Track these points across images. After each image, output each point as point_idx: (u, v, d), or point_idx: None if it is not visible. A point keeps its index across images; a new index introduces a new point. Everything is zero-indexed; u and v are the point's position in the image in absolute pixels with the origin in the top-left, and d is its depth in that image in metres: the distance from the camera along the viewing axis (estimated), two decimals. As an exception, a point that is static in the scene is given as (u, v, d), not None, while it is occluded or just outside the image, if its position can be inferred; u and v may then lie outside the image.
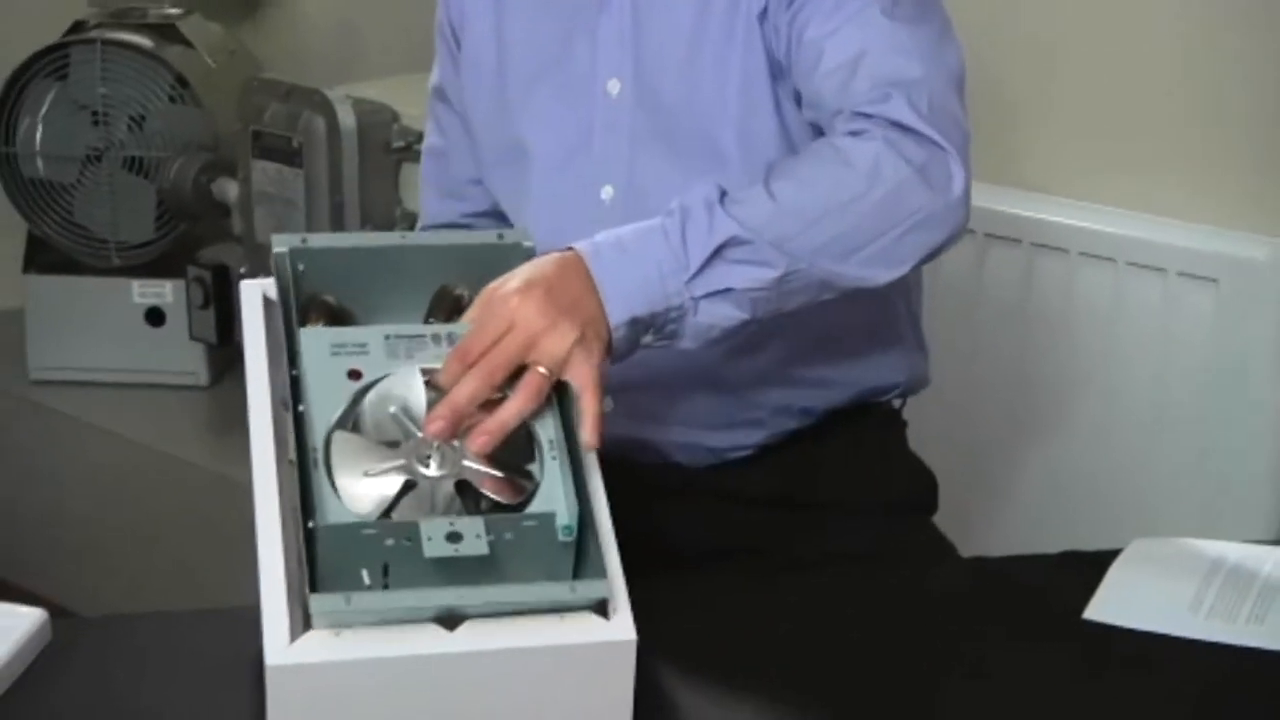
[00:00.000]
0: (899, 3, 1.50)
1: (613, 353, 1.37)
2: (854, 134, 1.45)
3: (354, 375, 1.31)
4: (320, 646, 1.22)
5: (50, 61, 3.05)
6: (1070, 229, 2.36)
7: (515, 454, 1.31)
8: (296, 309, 1.37)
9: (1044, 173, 2.45)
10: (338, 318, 1.39)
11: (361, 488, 1.27)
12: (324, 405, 1.30)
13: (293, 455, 1.29)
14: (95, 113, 3.05)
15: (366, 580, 1.25)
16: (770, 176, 1.43)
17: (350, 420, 1.31)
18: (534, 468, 1.31)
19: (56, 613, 1.40)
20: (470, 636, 1.23)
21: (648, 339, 1.40)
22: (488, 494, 1.29)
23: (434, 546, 1.24)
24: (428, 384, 1.32)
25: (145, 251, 3.11)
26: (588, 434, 1.31)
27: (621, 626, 1.25)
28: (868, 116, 1.45)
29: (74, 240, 3.11)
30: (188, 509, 2.90)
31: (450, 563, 1.25)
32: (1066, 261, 2.36)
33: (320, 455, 1.27)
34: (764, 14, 1.54)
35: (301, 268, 1.38)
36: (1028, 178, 2.44)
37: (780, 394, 1.64)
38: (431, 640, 1.23)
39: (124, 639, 1.46)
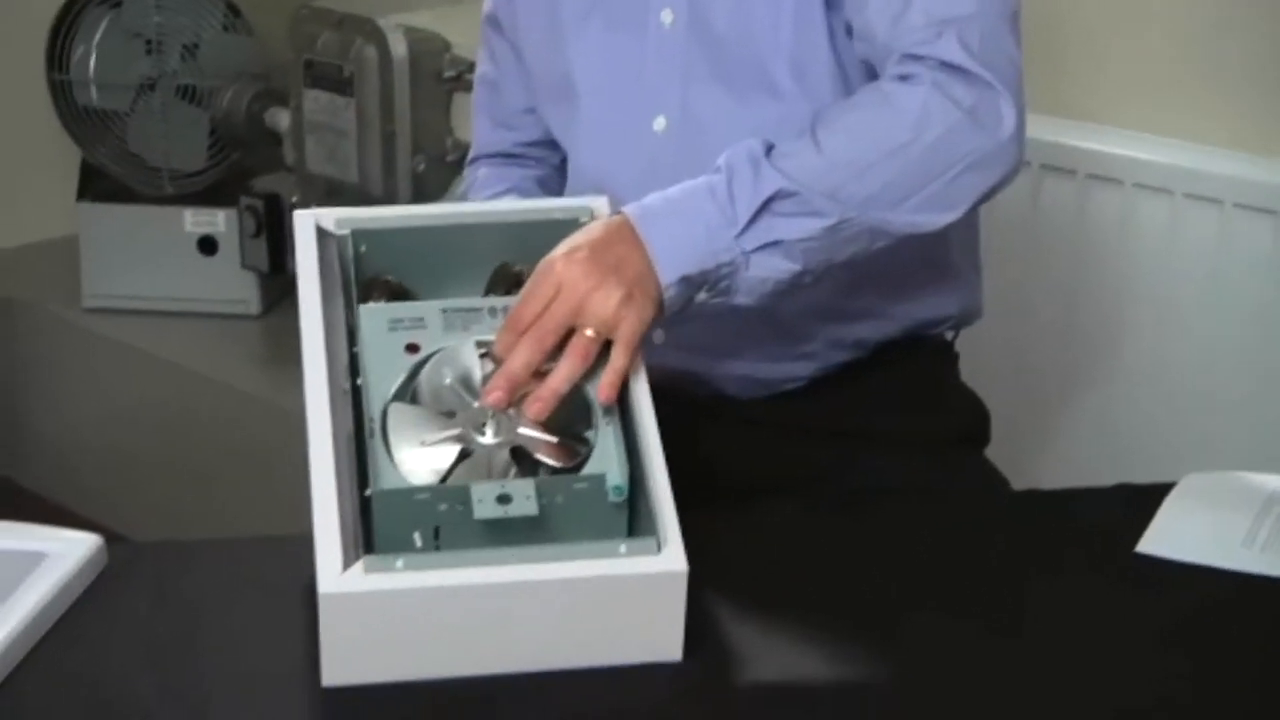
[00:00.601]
0: None
1: (665, 311, 1.38)
2: (902, 78, 1.45)
3: (411, 349, 1.33)
4: (372, 575, 1.23)
5: (104, -11, 3.06)
6: (1126, 160, 2.34)
7: (572, 420, 1.32)
8: (358, 289, 1.38)
9: (1100, 103, 2.43)
10: (398, 297, 1.40)
11: (418, 457, 1.28)
12: (381, 378, 1.31)
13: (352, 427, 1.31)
14: (148, 41, 3.05)
15: (419, 543, 1.26)
16: (816, 126, 1.43)
17: (408, 392, 1.32)
18: (590, 434, 1.32)
19: (111, 539, 1.42)
20: (520, 567, 1.24)
21: (702, 296, 1.41)
22: (543, 459, 1.30)
23: (484, 508, 1.25)
24: (484, 355, 1.33)
25: (198, 180, 3.11)
26: (602, 388, 1.32)
27: (673, 558, 1.25)
28: (918, 59, 1.44)
29: (127, 168, 3.12)
30: (239, 437, 2.92)
31: (501, 525, 1.26)
32: (1122, 193, 2.34)
33: (377, 426, 1.29)
34: None
35: (363, 248, 1.40)
36: (1083, 108, 2.42)
37: (832, 327, 1.64)
38: (484, 571, 1.24)
39: (178, 565, 1.47)
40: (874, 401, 1.66)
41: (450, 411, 1.31)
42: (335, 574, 1.22)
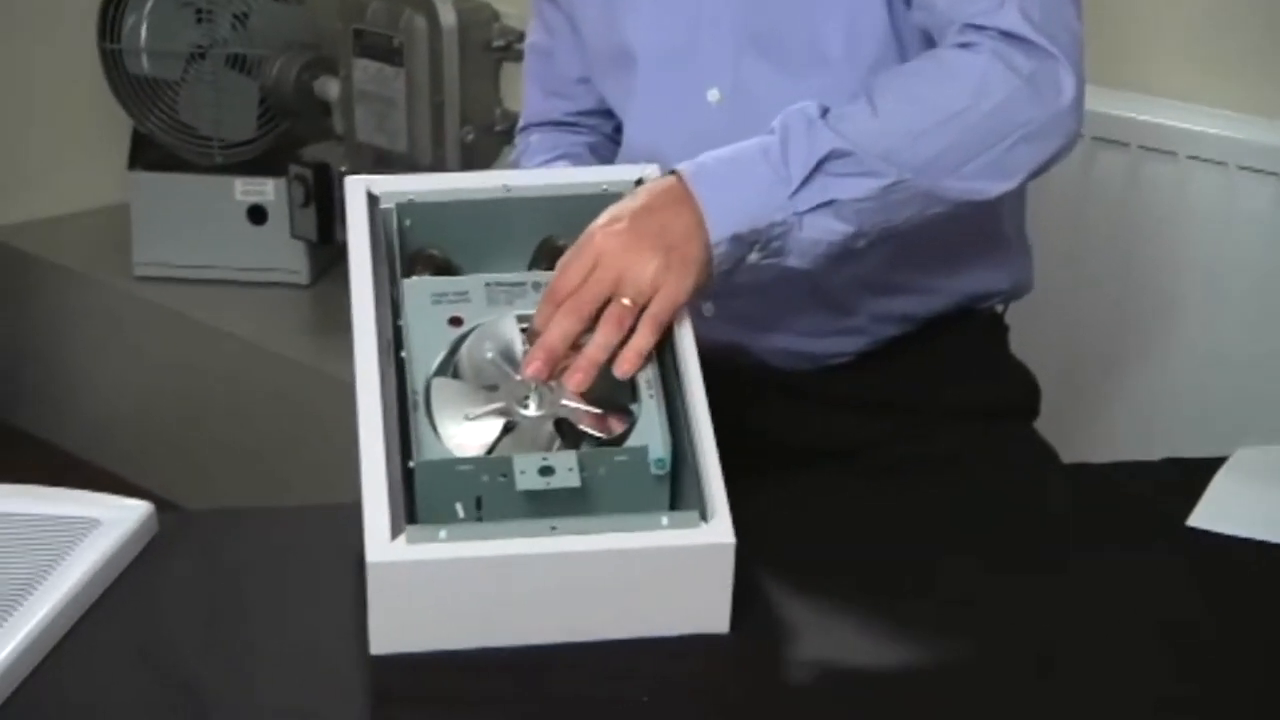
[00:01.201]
0: None
1: (714, 270, 1.37)
2: (962, 46, 1.44)
3: (455, 322, 1.34)
4: (420, 544, 1.23)
5: (157, -42, 3.07)
6: (1179, 131, 2.32)
7: (615, 392, 1.32)
8: (402, 263, 1.39)
9: (1153, 73, 2.41)
10: (442, 272, 1.41)
11: (462, 431, 1.29)
12: (425, 351, 1.32)
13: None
14: (199, 10, 3.06)
15: (460, 514, 1.27)
16: (873, 91, 1.43)
17: (450, 366, 1.33)
18: (635, 406, 1.32)
19: (161, 506, 1.42)
20: (570, 538, 1.24)
21: (754, 257, 1.40)
22: (586, 430, 1.30)
23: (526, 480, 1.26)
24: (525, 329, 1.33)
25: (247, 149, 3.12)
26: (619, 361, 1.32)
27: (720, 530, 1.25)
28: (979, 29, 1.44)
29: (178, 137, 3.13)
30: (288, 405, 2.93)
31: (543, 497, 1.26)
32: (1175, 165, 2.32)
33: (421, 399, 1.29)
34: None
35: (408, 223, 1.41)
36: (1136, 79, 2.40)
37: (881, 301, 1.63)
38: (531, 541, 1.24)
39: (227, 533, 1.48)
40: (922, 374, 1.66)
41: (493, 385, 1.31)
42: (383, 543, 1.23)
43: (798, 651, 1.31)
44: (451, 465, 1.27)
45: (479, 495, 1.27)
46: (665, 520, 1.25)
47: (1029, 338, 1.78)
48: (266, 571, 1.39)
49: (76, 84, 3.28)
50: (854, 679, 1.26)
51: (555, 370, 1.32)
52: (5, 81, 3.39)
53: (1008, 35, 1.43)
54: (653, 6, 1.61)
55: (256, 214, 3.16)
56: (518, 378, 1.31)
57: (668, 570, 1.25)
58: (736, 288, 1.48)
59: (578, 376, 1.31)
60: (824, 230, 1.41)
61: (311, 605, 1.34)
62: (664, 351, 1.35)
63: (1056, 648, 1.28)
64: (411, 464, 1.26)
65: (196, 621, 1.33)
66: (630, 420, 1.31)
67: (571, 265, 1.34)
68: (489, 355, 1.32)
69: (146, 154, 3.19)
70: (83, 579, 1.31)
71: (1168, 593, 1.36)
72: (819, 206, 1.40)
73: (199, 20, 3.06)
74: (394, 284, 1.37)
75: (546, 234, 1.42)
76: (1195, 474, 1.49)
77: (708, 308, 1.51)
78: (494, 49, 2.73)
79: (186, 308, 3.10)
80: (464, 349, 1.33)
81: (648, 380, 1.32)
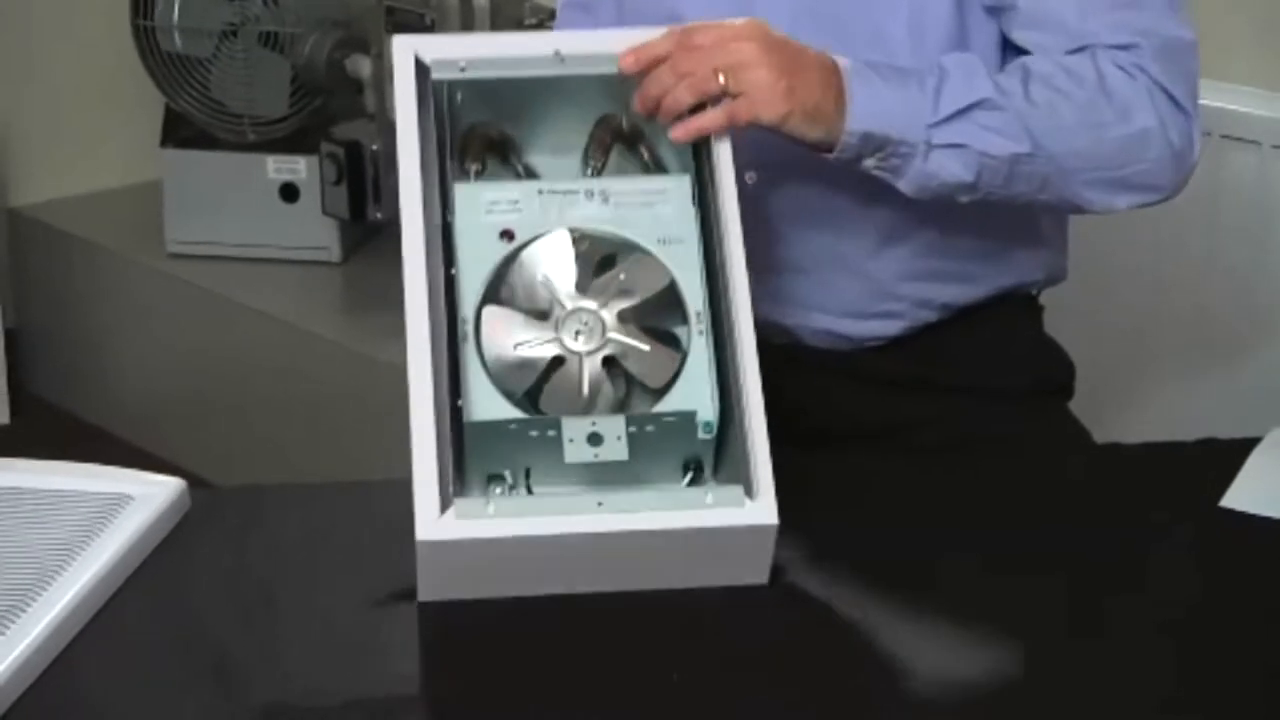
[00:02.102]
0: None
1: (835, 154, 1.42)
2: (1119, 67, 1.48)
3: (506, 235, 1.33)
4: (468, 522, 1.24)
5: (188, -64, 3.07)
6: (1212, 110, 2.30)
7: (666, 320, 1.32)
8: (455, 138, 1.37)
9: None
10: (497, 148, 1.40)
11: (511, 362, 1.29)
12: (474, 269, 1.31)
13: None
14: (232, -13, 3.06)
15: (509, 479, 1.28)
16: (1029, 78, 1.46)
17: (501, 284, 1.32)
18: (683, 333, 1.31)
19: (193, 483, 1.43)
20: (615, 517, 1.25)
21: (870, 163, 1.44)
22: (634, 372, 1.30)
23: (575, 450, 1.26)
24: (578, 239, 1.32)
25: (280, 127, 3.12)
26: (677, 127, 1.36)
27: (764, 510, 1.25)
28: (1139, 68, 1.48)
29: (210, 115, 3.13)
30: (320, 383, 2.93)
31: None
32: (1209, 144, 2.30)
33: (470, 329, 1.29)
34: None
35: (459, 98, 1.39)
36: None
37: (921, 287, 1.62)
38: (577, 519, 1.25)
39: (260, 510, 1.48)
40: (957, 354, 1.65)
41: (543, 311, 1.31)
42: (432, 520, 1.23)
43: (833, 604, 1.32)
44: (502, 426, 1.27)
45: (527, 466, 1.28)
46: (710, 498, 1.26)
47: (1063, 318, 1.77)
48: (298, 549, 1.39)
49: (109, 61, 3.29)
50: (886, 651, 1.26)
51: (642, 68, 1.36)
52: (38, 59, 3.40)
53: (1154, 78, 1.48)
54: None
55: (288, 192, 3.16)
56: (569, 306, 1.31)
57: (710, 543, 1.26)
58: (780, 265, 1.48)
59: (679, 132, 1.36)
60: (945, 169, 1.44)
61: (343, 582, 1.34)
62: (715, 285, 1.33)
63: (1089, 628, 1.28)
64: (464, 420, 1.27)
65: (228, 598, 1.33)
66: (680, 354, 1.31)
67: (712, 29, 1.37)
68: (540, 278, 1.32)
69: (179, 131, 3.20)
70: (115, 555, 1.31)
71: (1202, 572, 1.35)
72: (952, 145, 1.43)
73: (231, -2, 3.07)
74: (443, 172, 1.35)
75: (604, 107, 1.41)
76: (1230, 455, 1.49)
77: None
78: (526, 25, 2.72)
79: (218, 285, 3.11)
80: (515, 269, 1.32)
81: (697, 313, 1.31)
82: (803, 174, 1.55)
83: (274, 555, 1.39)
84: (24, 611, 1.23)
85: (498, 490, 1.29)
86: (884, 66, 1.44)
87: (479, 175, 1.40)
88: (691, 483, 1.30)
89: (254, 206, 3.16)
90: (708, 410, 1.29)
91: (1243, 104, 2.30)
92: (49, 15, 3.38)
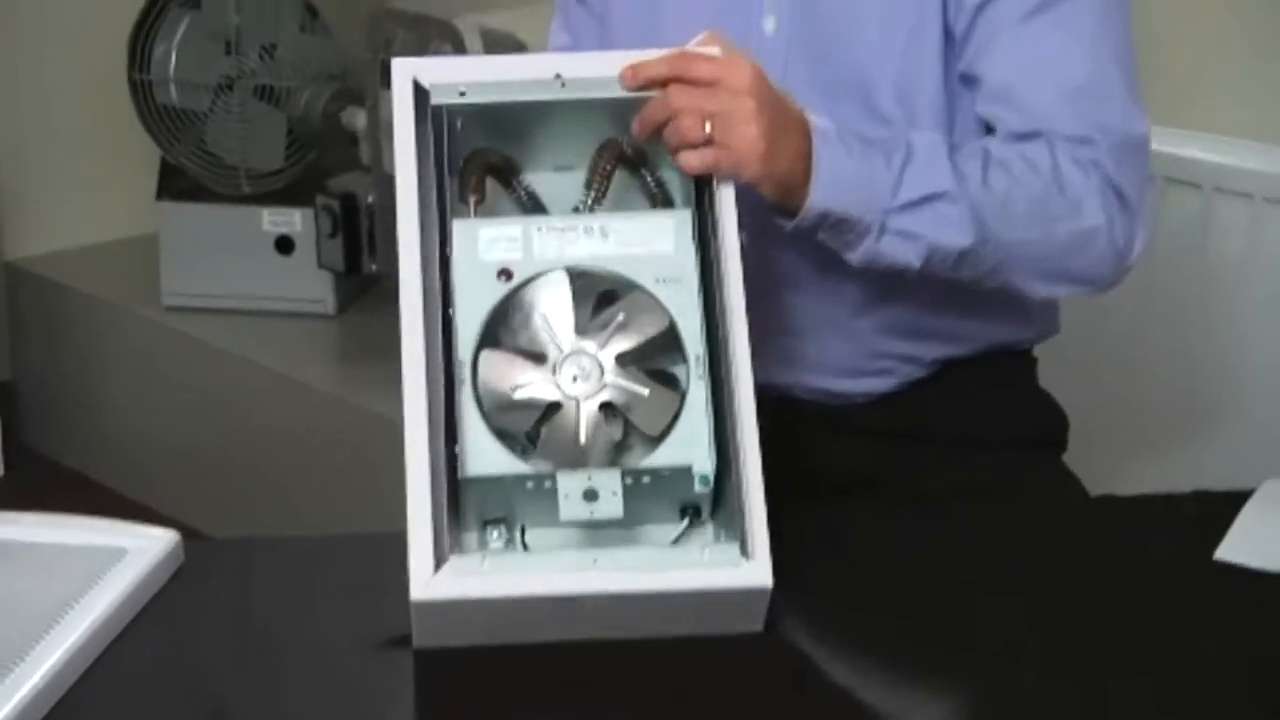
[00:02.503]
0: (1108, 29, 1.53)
1: (794, 223, 1.43)
2: (1075, 162, 1.49)
3: (504, 275, 1.32)
4: (463, 580, 1.24)
5: (185, -11, 3.08)
6: (1207, 164, 2.31)
7: (665, 362, 1.32)
8: (456, 161, 1.37)
9: (1181, 107, 2.40)
10: (498, 171, 1.40)
11: (508, 405, 1.29)
12: (472, 310, 1.31)
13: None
14: (228, 41, 3.07)
15: (505, 527, 1.29)
16: (989, 163, 1.47)
17: (498, 326, 1.31)
18: (681, 371, 1.31)
19: (189, 535, 1.42)
20: (611, 576, 1.25)
21: (823, 234, 1.45)
22: (631, 418, 1.30)
23: (570, 507, 1.26)
24: (575, 276, 1.32)
25: (275, 179, 3.13)
26: (678, 158, 1.36)
27: (759, 571, 1.25)
28: (1093, 163, 1.50)
29: (206, 168, 3.14)
30: (315, 435, 2.93)
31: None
32: (1200, 197, 2.31)
33: (467, 372, 1.29)
34: None
35: (459, 124, 1.38)
36: (1166, 113, 2.40)
37: (910, 345, 1.63)
38: (572, 579, 1.25)
39: (254, 562, 1.48)
40: (950, 406, 1.65)
41: (540, 354, 1.31)
42: (426, 578, 1.23)
43: (828, 651, 1.32)
44: (496, 481, 1.27)
45: (522, 523, 1.29)
46: (706, 556, 1.26)
47: (1056, 369, 1.78)
48: (293, 601, 1.39)
49: (105, 115, 3.29)
50: (877, 700, 1.26)
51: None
52: (34, 111, 3.41)
53: (1106, 174, 1.49)
54: (702, 19, 1.58)
55: (284, 244, 3.17)
56: (566, 349, 1.31)
57: (706, 600, 1.26)
58: (768, 327, 1.48)
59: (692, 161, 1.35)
60: (895, 252, 1.45)
61: (338, 632, 1.34)
62: (714, 330, 1.32)
63: (1084, 679, 1.28)
64: (460, 476, 1.27)
65: (223, 650, 1.33)
66: (679, 396, 1.30)
67: (713, 66, 1.36)
68: (538, 319, 1.32)
69: (175, 184, 3.20)
70: (110, 607, 1.31)
71: (1196, 625, 1.35)
72: (905, 234, 1.44)
73: (228, 52, 3.08)
74: (442, 196, 1.34)
75: (606, 129, 1.40)
76: (1224, 506, 1.48)
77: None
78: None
79: (214, 338, 3.11)
80: (513, 310, 1.32)
81: (696, 356, 1.31)
82: (790, 238, 1.55)
83: (269, 608, 1.39)
84: (19, 663, 1.23)
85: (494, 534, 1.29)
86: (854, 139, 1.43)
87: (479, 204, 1.39)
88: (689, 524, 1.30)
89: (250, 259, 3.16)
90: (704, 464, 1.28)
91: (1235, 157, 2.30)
92: (45, 69, 3.39)
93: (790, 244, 1.56)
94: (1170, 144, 2.35)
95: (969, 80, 1.55)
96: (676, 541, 1.30)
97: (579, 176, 1.41)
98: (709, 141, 1.35)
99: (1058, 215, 1.49)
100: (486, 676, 1.26)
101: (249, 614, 1.38)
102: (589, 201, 1.39)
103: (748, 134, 1.35)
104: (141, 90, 3.11)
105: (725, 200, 1.35)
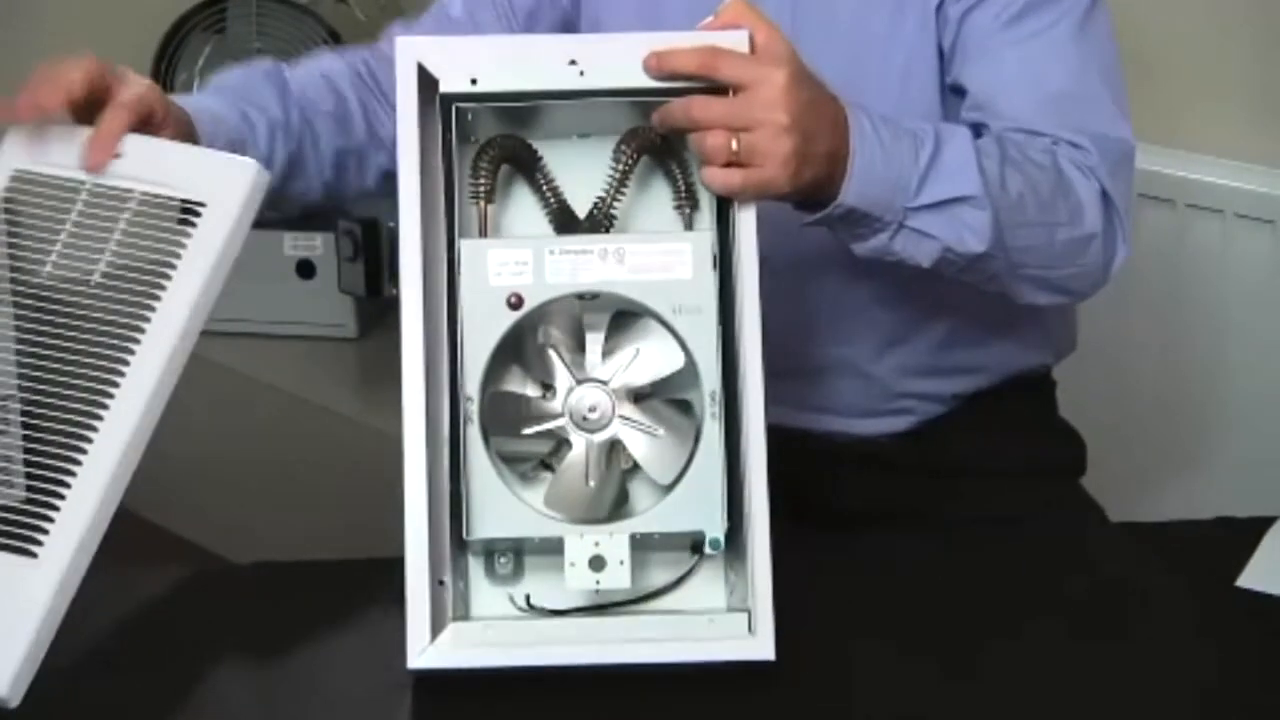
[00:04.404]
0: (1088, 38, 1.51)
1: (815, 215, 1.35)
2: (1075, 166, 1.47)
3: (514, 303, 1.26)
4: (462, 652, 1.24)
5: (207, 16, 3.08)
6: (1226, 189, 2.31)
7: (674, 387, 1.28)
8: (468, 150, 1.30)
9: (1199, 132, 2.40)
10: (513, 158, 1.31)
11: (516, 442, 1.27)
12: (480, 340, 1.26)
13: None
14: (250, 66, 3.07)
15: (506, 563, 1.28)
16: (1006, 160, 1.42)
17: (506, 357, 1.28)
18: (694, 399, 1.28)
19: (207, 559, 1.42)
20: (616, 648, 1.24)
21: (839, 225, 1.37)
22: (641, 464, 1.27)
23: (576, 575, 1.24)
24: (583, 299, 1.28)
25: (296, 205, 3.13)
26: (704, 174, 1.27)
27: (762, 646, 1.24)
28: (1077, 150, 1.47)
29: (228, 193, 3.13)
30: (335, 458, 2.93)
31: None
32: (1222, 222, 2.31)
33: (475, 410, 1.26)
34: (940, 6, 1.52)
35: (470, 118, 1.30)
36: (1182, 137, 2.39)
37: (929, 383, 1.62)
38: (576, 650, 1.24)
39: (274, 586, 1.47)
40: (968, 439, 1.64)
41: (549, 384, 1.28)
42: (422, 647, 1.23)
43: (841, 682, 1.30)
44: (502, 542, 1.26)
45: (527, 593, 1.28)
46: (711, 624, 1.25)
47: (1075, 395, 1.77)
48: (311, 623, 1.38)
49: (129, 139, 3.30)
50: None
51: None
52: (59, 137, 3.41)
53: (1106, 190, 1.47)
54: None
55: (305, 268, 3.17)
56: (577, 382, 1.27)
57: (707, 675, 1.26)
58: (786, 370, 1.47)
59: (720, 180, 1.26)
60: (907, 250, 1.38)
61: (356, 656, 1.34)
62: (731, 370, 1.28)
63: (1105, 707, 1.26)
64: (465, 536, 1.25)
65: (241, 672, 1.33)
66: (692, 438, 1.26)
67: (745, 66, 1.26)
68: (549, 350, 1.28)
69: (197, 209, 3.20)
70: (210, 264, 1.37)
71: (1219, 653, 1.34)
72: (922, 233, 1.37)
73: (250, 77, 3.08)
74: (450, 197, 1.28)
75: (631, 114, 1.30)
76: (1246, 533, 1.47)
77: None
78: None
79: (235, 361, 3.10)
80: (522, 340, 1.27)
81: (712, 393, 1.26)
82: (800, 279, 1.54)
83: (287, 630, 1.38)
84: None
85: (501, 560, 1.28)
86: (885, 128, 1.35)
87: (490, 200, 1.31)
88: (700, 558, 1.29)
89: (271, 283, 3.16)
90: (716, 528, 1.25)
91: (1259, 183, 2.30)
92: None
93: (811, 285, 1.55)
94: (1191, 169, 2.34)
95: (957, 90, 1.53)
96: (684, 578, 1.28)
97: (602, 144, 1.31)
98: (735, 160, 1.26)
99: (1060, 221, 1.45)
100: (495, 702, 1.25)
101: (267, 638, 1.37)
102: (609, 198, 1.31)
103: (777, 153, 1.26)
104: (164, 115, 3.11)
105: (745, 228, 1.27)
